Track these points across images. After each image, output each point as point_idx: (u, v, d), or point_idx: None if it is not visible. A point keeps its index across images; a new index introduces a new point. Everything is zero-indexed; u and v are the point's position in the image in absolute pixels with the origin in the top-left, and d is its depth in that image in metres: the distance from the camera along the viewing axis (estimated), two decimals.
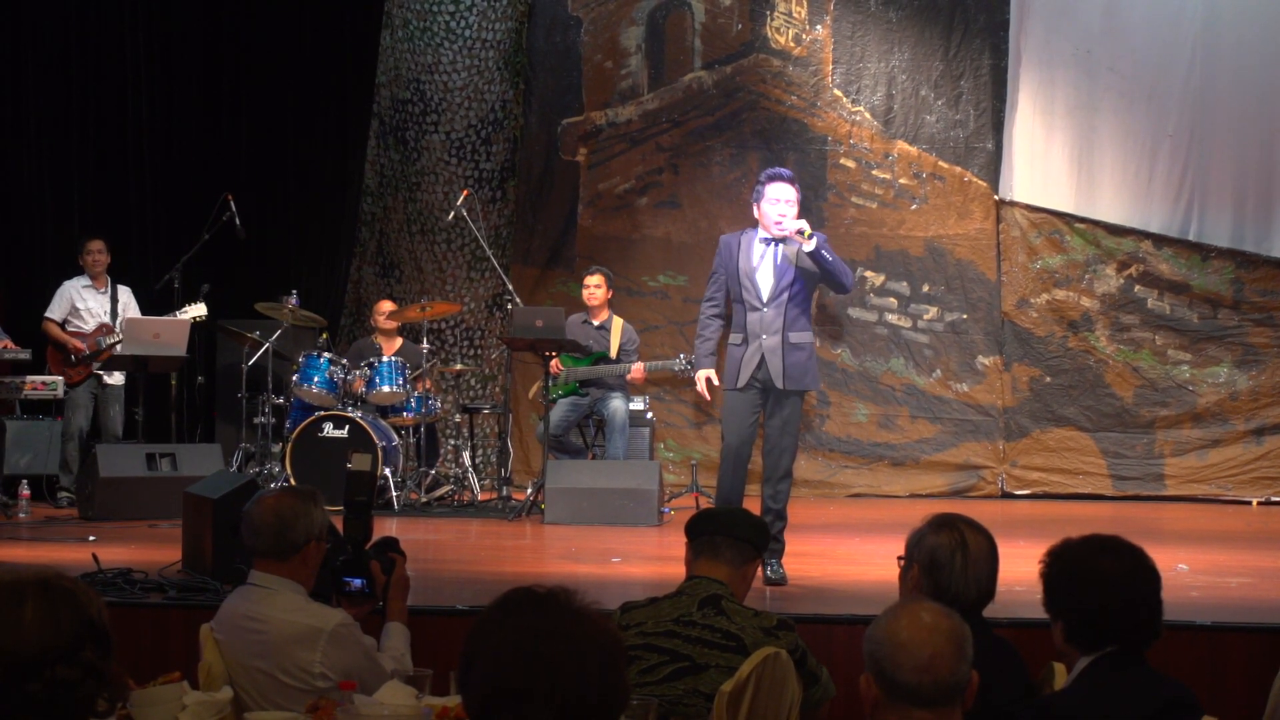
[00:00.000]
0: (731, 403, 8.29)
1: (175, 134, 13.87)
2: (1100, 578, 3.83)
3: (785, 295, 8.15)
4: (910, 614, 3.19)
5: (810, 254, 8.06)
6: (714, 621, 4.57)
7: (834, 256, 8.11)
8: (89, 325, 12.27)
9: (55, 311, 12.29)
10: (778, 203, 8.17)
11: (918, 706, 3.13)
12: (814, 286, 8.31)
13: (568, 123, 14.33)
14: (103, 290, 12.41)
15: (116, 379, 12.27)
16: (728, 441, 8.29)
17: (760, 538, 4.95)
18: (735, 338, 8.30)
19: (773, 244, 8.20)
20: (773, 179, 8.29)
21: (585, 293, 12.41)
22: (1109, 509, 12.63)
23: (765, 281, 8.19)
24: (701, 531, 4.84)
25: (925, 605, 3.26)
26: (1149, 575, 3.88)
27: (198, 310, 12.14)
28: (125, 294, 12.54)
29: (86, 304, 12.32)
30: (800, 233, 8.04)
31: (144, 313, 12.39)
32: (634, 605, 4.74)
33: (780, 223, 8.09)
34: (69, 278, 12.49)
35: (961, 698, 3.17)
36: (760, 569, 6.96)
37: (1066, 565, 3.91)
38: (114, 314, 12.32)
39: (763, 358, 8.12)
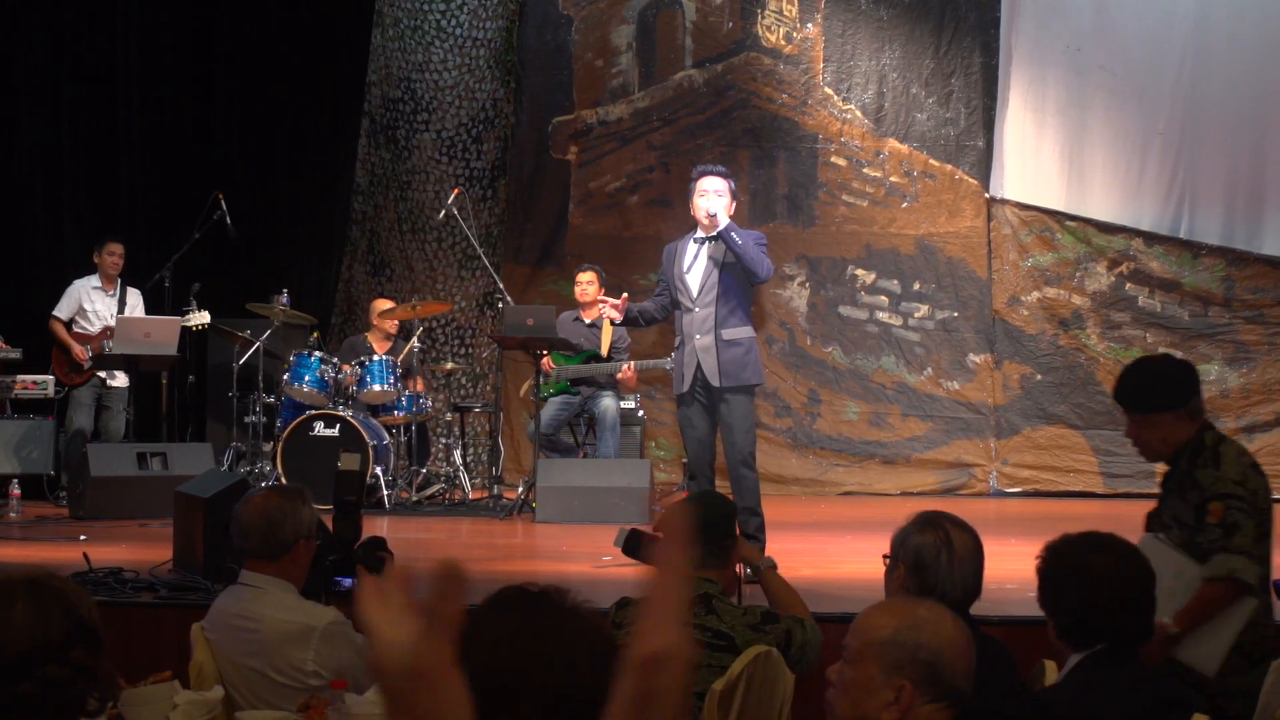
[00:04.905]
0: (682, 416, 8.44)
1: (166, 132, 13.86)
2: (1095, 575, 3.83)
3: (714, 293, 8.19)
4: (939, 619, 3.15)
5: (720, 235, 8.12)
6: (704, 621, 4.57)
7: (743, 241, 8.15)
8: (94, 327, 12.20)
9: (63, 310, 12.21)
10: (706, 194, 8.24)
11: (955, 704, 3.11)
12: (745, 282, 8.33)
13: (559, 121, 14.33)
14: (111, 293, 12.34)
15: (120, 380, 12.16)
16: (689, 457, 8.48)
17: (731, 520, 4.95)
18: (676, 340, 8.42)
19: (704, 243, 8.26)
20: (704, 174, 8.38)
21: (577, 289, 12.41)
22: (1100, 507, 12.61)
23: (694, 281, 8.26)
24: None
25: (925, 605, 3.24)
26: (1143, 573, 3.88)
27: (201, 318, 12.11)
28: (134, 296, 12.47)
29: (94, 305, 12.26)
30: (711, 215, 8.12)
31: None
32: (630, 602, 4.74)
33: (708, 211, 8.17)
34: (58, 275, 12.45)
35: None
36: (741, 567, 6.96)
37: (1062, 561, 3.91)
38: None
39: (698, 359, 8.18)
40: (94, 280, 12.31)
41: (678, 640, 1.57)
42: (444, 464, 13.38)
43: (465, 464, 12.97)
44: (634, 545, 5.16)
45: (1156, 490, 5.39)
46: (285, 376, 11.83)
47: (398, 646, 1.58)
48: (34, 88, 13.50)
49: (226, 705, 4.37)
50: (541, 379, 11.67)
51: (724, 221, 8.15)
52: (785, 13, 13.96)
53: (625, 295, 8.90)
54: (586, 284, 12.33)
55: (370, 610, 1.59)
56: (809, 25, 13.94)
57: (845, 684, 3.14)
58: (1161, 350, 13.24)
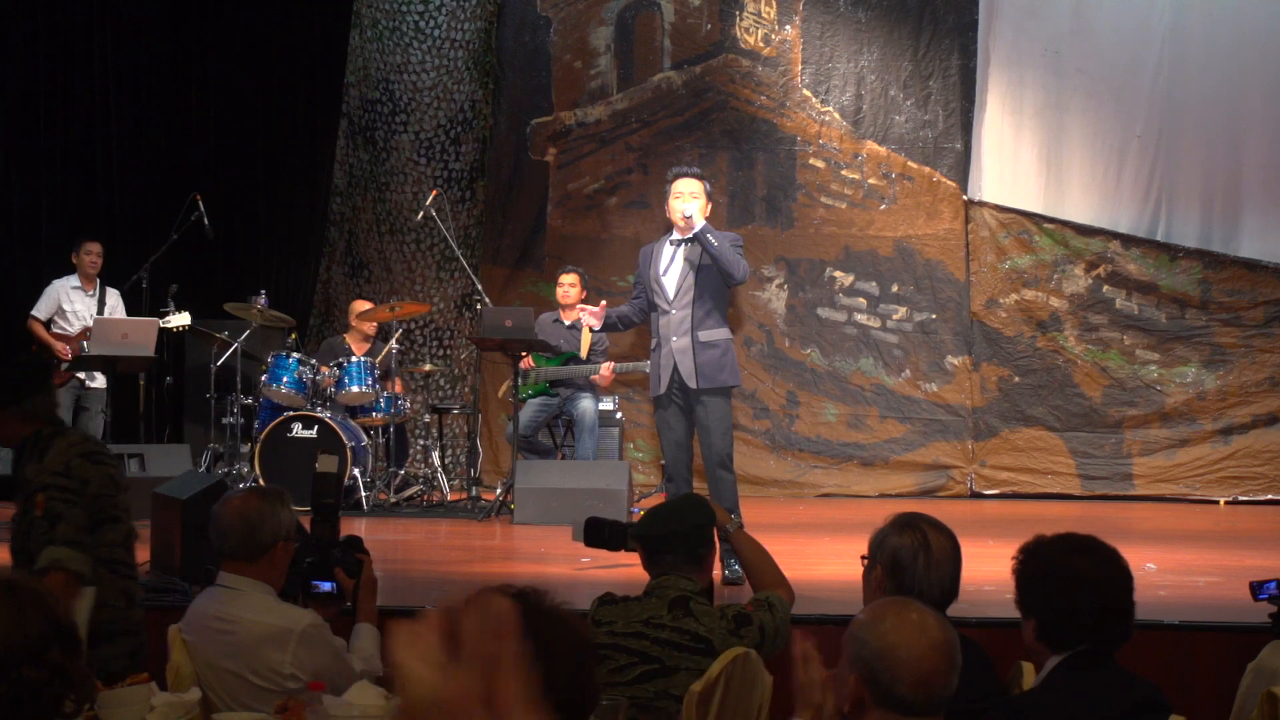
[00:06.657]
0: (659, 418, 8.44)
1: (144, 133, 13.82)
2: (1074, 577, 3.82)
3: (690, 295, 8.20)
4: (907, 623, 3.17)
5: (696, 237, 8.14)
6: (683, 624, 4.56)
7: (719, 243, 8.15)
8: (74, 328, 12.15)
9: (41, 310, 12.16)
10: (681, 196, 8.24)
11: (907, 715, 3.13)
12: (721, 284, 8.33)
13: (537, 123, 14.32)
14: (90, 293, 12.28)
15: (99, 381, 12.10)
16: (667, 459, 8.48)
17: (710, 527, 4.94)
18: (653, 342, 8.41)
19: (681, 245, 8.26)
20: (679, 175, 8.38)
21: (559, 291, 12.40)
22: (1077, 509, 12.65)
23: (671, 283, 8.26)
24: (654, 555, 4.82)
25: (915, 608, 3.24)
26: (1122, 577, 3.87)
27: (182, 320, 12.07)
28: (114, 297, 12.41)
29: (73, 306, 12.20)
30: (686, 217, 8.13)
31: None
32: (609, 601, 4.73)
33: (683, 213, 8.17)
34: (35, 275, 12.41)
35: (947, 706, 3.17)
36: (719, 568, 6.97)
37: (1040, 563, 3.90)
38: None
39: (675, 361, 8.18)
40: (73, 280, 12.26)
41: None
42: (422, 465, 13.38)
43: (443, 465, 12.96)
44: (595, 532, 5.15)
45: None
46: (263, 378, 11.80)
47: (426, 680, 1.58)
48: (11, 86, 13.45)
49: (203, 707, 4.36)
50: (520, 380, 11.66)
51: (699, 223, 8.15)
52: (764, 15, 13.97)
53: (604, 303, 8.91)
54: (569, 286, 12.33)
55: (400, 649, 1.60)
56: (787, 27, 13.94)
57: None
58: (1138, 351, 13.28)
